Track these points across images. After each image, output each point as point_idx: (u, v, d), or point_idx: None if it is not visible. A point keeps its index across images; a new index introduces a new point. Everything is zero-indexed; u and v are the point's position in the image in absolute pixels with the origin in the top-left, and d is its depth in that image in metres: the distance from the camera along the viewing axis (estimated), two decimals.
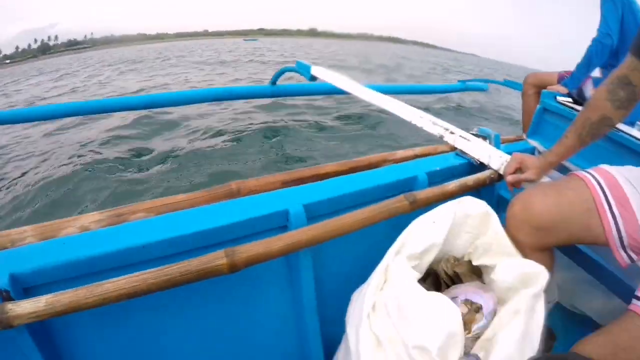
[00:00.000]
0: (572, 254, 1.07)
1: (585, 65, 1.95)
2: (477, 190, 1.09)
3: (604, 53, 1.88)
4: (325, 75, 2.30)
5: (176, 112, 4.30)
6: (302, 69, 2.81)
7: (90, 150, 3.48)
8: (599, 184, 0.84)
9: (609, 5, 1.87)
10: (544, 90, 1.66)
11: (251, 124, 4.14)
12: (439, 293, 0.75)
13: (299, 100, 4.62)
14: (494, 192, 1.18)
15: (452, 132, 1.16)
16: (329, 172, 1.00)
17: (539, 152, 1.50)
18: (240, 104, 4.53)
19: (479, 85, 5.60)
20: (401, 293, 0.71)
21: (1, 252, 0.82)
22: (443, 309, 0.68)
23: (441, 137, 1.19)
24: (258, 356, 0.99)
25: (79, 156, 3.35)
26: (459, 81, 5.72)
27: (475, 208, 0.92)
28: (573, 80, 1.96)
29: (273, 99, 4.30)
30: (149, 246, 0.75)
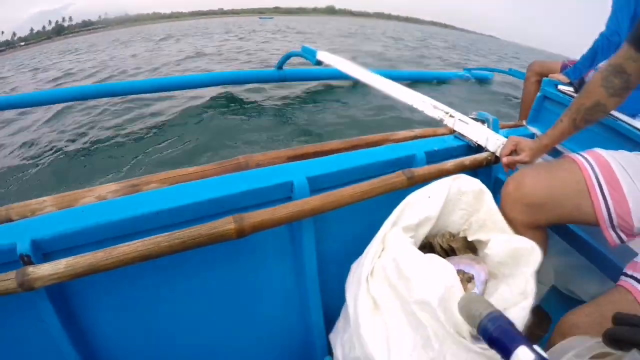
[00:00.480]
0: (566, 236, 1.12)
1: (590, 58, 1.98)
2: (474, 171, 1.14)
3: (610, 49, 1.90)
4: (331, 59, 2.36)
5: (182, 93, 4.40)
6: (308, 54, 2.90)
7: (101, 127, 3.63)
8: (590, 165, 0.90)
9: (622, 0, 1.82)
10: (545, 78, 1.70)
11: (257, 101, 4.24)
12: (433, 254, 0.80)
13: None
14: (491, 174, 1.23)
15: (451, 116, 1.22)
16: (332, 148, 1.07)
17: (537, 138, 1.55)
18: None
19: (484, 74, 5.75)
20: (399, 256, 0.77)
21: (22, 220, 0.89)
22: (438, 265, 0.75)
23: (441, 120, 1.25)
24: (260, 321, 1.06)
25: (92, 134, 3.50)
26: (464, 69, 5.82)
27: (470, 185, 0.97)
28: (575, 71, 1.99)
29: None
30: (162, 213, 0.81)
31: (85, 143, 3.33)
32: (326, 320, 1.05)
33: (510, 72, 5.36)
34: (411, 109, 1.39)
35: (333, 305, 1.00)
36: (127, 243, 0.75)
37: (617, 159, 0.89)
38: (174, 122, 3.69)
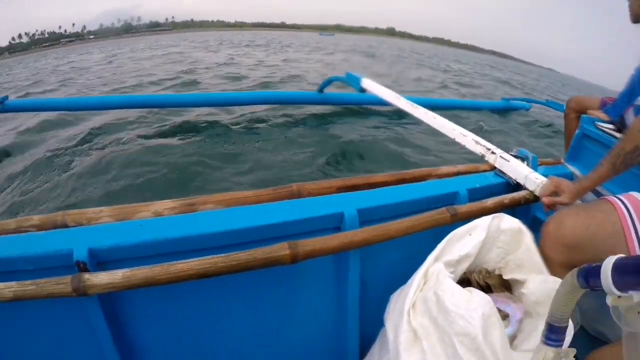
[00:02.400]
0: None
1: (628, 94, 2.04)
2: (512, 209, 1.23)
3: None
4: (375, 88, 2.49)
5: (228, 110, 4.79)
6: (352, 80, 3.11)
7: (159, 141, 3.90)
8: (626, 208, 0.99)
9: None
10: (583, 116, 1.78)
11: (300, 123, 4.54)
12: (472, 288, 0.89)
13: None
14: (529, 212, 1.32)
15: (493, 152, 1.31)
16: (380, 181, 1.17)
17: (576, 177, 1.63)
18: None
19: (522, 104, 6.01)
20: (440, 289, 0.87)
21: (79, 227, 0.99)
22: (478, 299, 0.83)
23: (482, 156, 1.34)
24: (298, 343, 1.16)
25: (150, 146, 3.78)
26: (502, 99, 6.09)
27: (509, 224, 1.06)
28: (615, 109, 2.05)
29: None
30: (219, 235, 0.91)
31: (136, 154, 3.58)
32: (360, 343, 1.14)
33: (548, 104, 5.54)
34: (453, 142, 1.48)
35: (368, 331, 1.09)
36: (185, 260, 0.85)
37: None
38: (229, 138, 4.00)
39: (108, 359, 1.00)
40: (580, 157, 1.70)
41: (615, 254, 0.97)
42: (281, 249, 0.86)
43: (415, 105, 1.76)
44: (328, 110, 4.82)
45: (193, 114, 4.57)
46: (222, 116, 4.61)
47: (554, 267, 1.05)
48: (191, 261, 0.85)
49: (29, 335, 1.00)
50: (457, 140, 1.45)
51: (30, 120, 4.87)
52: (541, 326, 0.93)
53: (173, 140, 3.82)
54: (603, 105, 2.32)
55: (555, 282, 0.96)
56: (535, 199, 1.24)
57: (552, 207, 1.18)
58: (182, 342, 1.05)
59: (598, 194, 1.37)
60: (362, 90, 2.99)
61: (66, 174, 3.17)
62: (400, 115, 4.50)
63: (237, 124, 4.37)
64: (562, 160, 1.72)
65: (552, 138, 5.19)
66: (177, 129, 4.21)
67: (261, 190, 1.07)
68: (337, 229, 1.02)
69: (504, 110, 5.95)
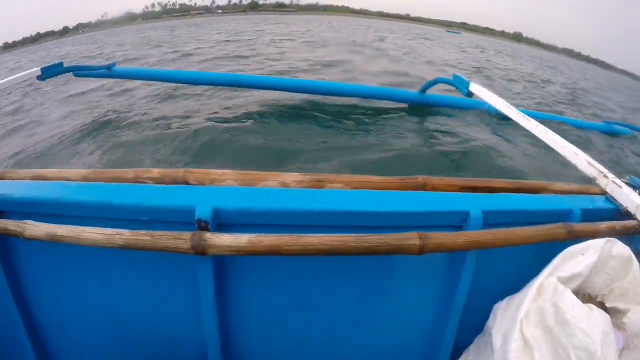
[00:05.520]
0: None
1: None
2: (619, 237, 1.30)
3: None
4: (483, 93, 2.58)
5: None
6: (460, 83, 3.23)
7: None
8: None
9: None
10: None
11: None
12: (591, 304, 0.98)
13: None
14: (633, 243, 1.39)
15: (605, 176, 1.39)
16: (499, 186, 1.26)
17: None
18: None
19: (624, 130, 6.02)
20: (560, 301, 0.97)
21: (202, 186, 1.09)
22: (596, 313, 0.93)
23: (594, 178, 1.42)
24: (391, 338, 1.27)
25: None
26: (603, 121, 6.14)
27: (620, 251, 1.15)
28: None
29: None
30: (348, 214, 1.02)
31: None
32: (453, 349, 1.24)
33: None
34: (563, 162, 1.56)
35: (463, 335, 1.19)
36: (315, 234, 0.95)
37: None
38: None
39: (206, 322, 1.11)
40: None
41: None
42: (411, 238, 0.96)
43: (527, 116, 1.84)
44: (426, 110, 4.94)
45: (304, 98, 4.93)
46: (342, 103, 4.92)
47: None
48: (322, 236, 0.94)
49: (129, 285, 1.13)
50: (568, 158, 1.53)
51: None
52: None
53: (295, 121, 4.23)
54: None
55: None
56: None
57: None
58: (284, 318, 1.17)
59: None
60: (470, 94, 3.07)
61: (183, 137, 3.58)
62: (506, 125, 4.56)
63: (353, 112, 4.65)
64: None
65: None
66: (296, 111, 4.57)
67: (389, 178, 1.17)
68: (459, 227, 1.12)
69: (605, 133, 5.98)
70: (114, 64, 4.38)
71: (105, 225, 0.95)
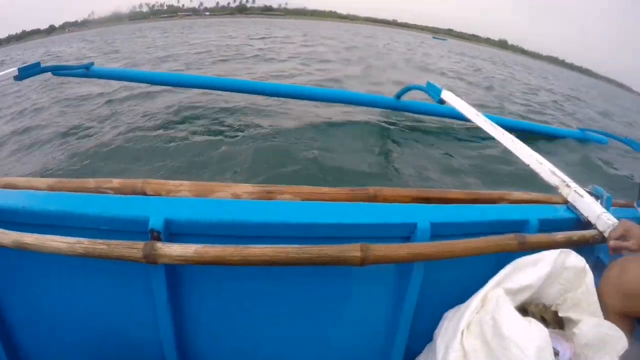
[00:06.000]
0: None
1: None
2: (578, 247, 1.31)
3: None
4: (455, 101, 2.61)
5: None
6: (432, 91, 3.25)
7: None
8: None
9: None
10: None
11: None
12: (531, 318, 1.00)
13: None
14: (593, 252, 1.40)
15: (567, 185, 1.40)
16: (454, 197, 1.28)
17: None
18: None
19: (599, 137, 6.10)
20: (499, 315, 0.98)
21: (157, 197, 1.14)
22: (533, 328, 0.95)
23: (556, 187, 1.43)
24: (343, 347, 1.31)
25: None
26: (578, 129, 6.28)
27: (574, 262, 1.16)
28: None
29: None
30: (294, 225, 1.05)
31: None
32: (404, 356, 1.26)
33: (626, 141, 5.72)
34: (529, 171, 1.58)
35: (414, 345, 1.22)
36: (259, 245, 0.98)
37: None
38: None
39: (162, 326, 1.16)
40: None
41: None
42: (353, 250, 0.99)
43: (494, 124, 1.84)
44: (402, 117, 5.16)
45: (269, 102, 5.15)
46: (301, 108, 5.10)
47: (610, 312, 1.14)
48: (265, 247, 0.97)
49: (90, 290, 1.17)
50: (532, 167, 1.54)
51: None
52: None
53: (253, 128, 4.29)
54: None
55: (608, 328, 1.06)
56: (603, 240, 1.33)
57: (618, 251, 1.26)
58: (233, 323, 1.21)
59: None
60: (442, 101, 3.09)
61: (147, 145, 3.72)
62: (477, 132, 4.66)
63: (318, 116, 4.85)
64: (635, 205, 1.77)
65: (618, 177, 5.29)
66: (256, 117, 4.71)
67: (339, 189, 1.20)
68: (407, 238, 1.14)
69: (579, 141, 6.07)
70: (92, 64, 4.41)
71: (69, 234, 0.99)
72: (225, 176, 3.09)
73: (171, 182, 1.16)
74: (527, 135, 5.13)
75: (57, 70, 4.32)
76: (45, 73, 3.90)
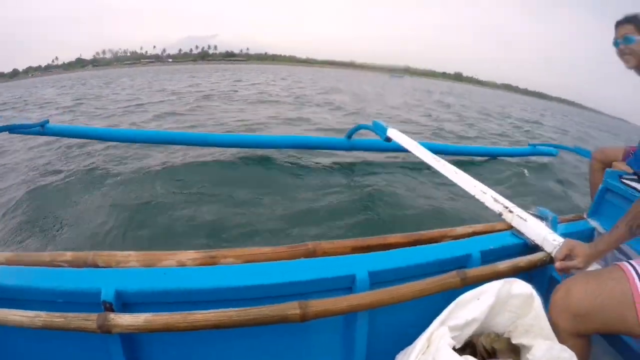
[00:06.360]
0: (615, 344, 1.30)
1: None
2: (530, 271, 1.34)
3: None
4: (400, 138, 2.69)
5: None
6: (378, 129, 3.42)
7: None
8: (638, 275, 1.08)
9: None
10: (607, 170, 1.90)
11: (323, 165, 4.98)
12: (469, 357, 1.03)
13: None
14: (547, 273, 1.43)
15: (510, 211, 1.44)
16: (394, 242, 1.32)
17: (599, 233, 1.74)
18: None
19: (549, 149, 6.47)
20: (438, 356, 1.00)
21: (108, 268, 1.18)
22: None
23: (500, 214, 1.47)
24: None
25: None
26: (529, 144, 6.58)
27: (520, 289, 1.19)
28: (637, 160, 2.15)
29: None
30: (235, 289, 1.09)
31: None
32: None
33: (576, 150, 6.02)
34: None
35: None
36: (202, 311, 1.03)
37: None
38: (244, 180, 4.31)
39: None
40: (604, 212, 1.82)
41: (625, 325, 1.08)
42: (291, 308, 1.03)
43: (438, 158, 1.90)
44: (354, 157, 5.23)
45: (218, 154, 5.03)
46: (249, 157, 5.02)
47: (562, 334, 1.16)
48: (208, 312, 1.01)
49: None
50: (477, 197, 1.58)
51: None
52: None
53: (197, 183, 4.14)
54: (626, 156, 2.44)
55: (560, 350, 1.08)
56: (552, 260, 1.36)
57: (566, 272, 1.29)
58: None
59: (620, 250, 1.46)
60: (388, 139, 3.25)
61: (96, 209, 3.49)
62: (422, 167, 4.74)
63: (260, 165, 4.79)
64: (585, 216, 1.81)
65: (575, 185, 5.54)
66: (204, 170, 4.61)
67: (278, 248, 1.24)
68: (349, 289, 1.17)
69: (531, 156, 6.46)
70: (47, 121, 4.42)
71: (29, 307, 1.03)
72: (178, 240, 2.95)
73: (120, 253, 1.20)
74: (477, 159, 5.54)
75: (14, 129, 4.27)
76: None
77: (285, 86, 20.22)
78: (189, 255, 1.18)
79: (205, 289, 1.08)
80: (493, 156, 6.05)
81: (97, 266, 1.20)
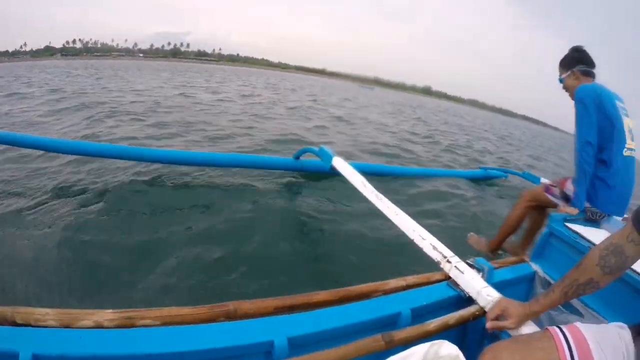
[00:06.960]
0: None
1: (582, 177, 2.28)
2: (465, 323, 1.34)
3: (591, 158, 2.24)
4: (344, 168, 2.73)
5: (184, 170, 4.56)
6: (324, 156, 3.35)
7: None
8: (568, 345, 1.08)
9: (580, 109, 2.25)
10: (552, 214, 1.94)
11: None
12: None
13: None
14: (482, 324, 1.43)
15: (448, 261, 1.43)
16: (320, 300, 1.28)
17: (539, 277, 1.76)
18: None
19: (500, 173, 6.86)
20: None
21: (26, 328, 1.14)
22: None
23: (438, 262, 1.46)
24: None
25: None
26: (480, 168, 6.92)
27: (448, 351, 1.19)
28: (578, 199, 2.25)
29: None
30: (154, 356, 1.06)
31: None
32: None
33: (524, 175, 6.37)
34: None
35: None
36: None
37: (597, 339, 1.07)
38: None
39: None
40: (546, 256, 1.83)
41: None
42: None
43: (380, 196, 1.87)
44: (298, 180, 4.86)
45: (150, 170, 4.49)
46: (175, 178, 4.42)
47: None
48: None
49: None
50: (415, 241, 1.57)
51: None
52: None
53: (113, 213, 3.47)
54: (546, 191, 2.63)
55: None
56: (485, 313, 1.36)
57: (497, 330, 1.29)
58: None
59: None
60: (332, 168, 3.20)
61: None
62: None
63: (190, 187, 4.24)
64: (527, 259, 1.83)
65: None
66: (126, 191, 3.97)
67: (198, 308, 1.19)
68: (269, 353, 1.15)
69: (482, 179, 6.60)
70: None
71: None
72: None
73: (37, 310, 1.16)
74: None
75: None
76: None
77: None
78: (106, 316, 1.14)
79: (123, 355, 1.05)
80: (447, 177, 6.06)
81: (15, 323, 1.16)
